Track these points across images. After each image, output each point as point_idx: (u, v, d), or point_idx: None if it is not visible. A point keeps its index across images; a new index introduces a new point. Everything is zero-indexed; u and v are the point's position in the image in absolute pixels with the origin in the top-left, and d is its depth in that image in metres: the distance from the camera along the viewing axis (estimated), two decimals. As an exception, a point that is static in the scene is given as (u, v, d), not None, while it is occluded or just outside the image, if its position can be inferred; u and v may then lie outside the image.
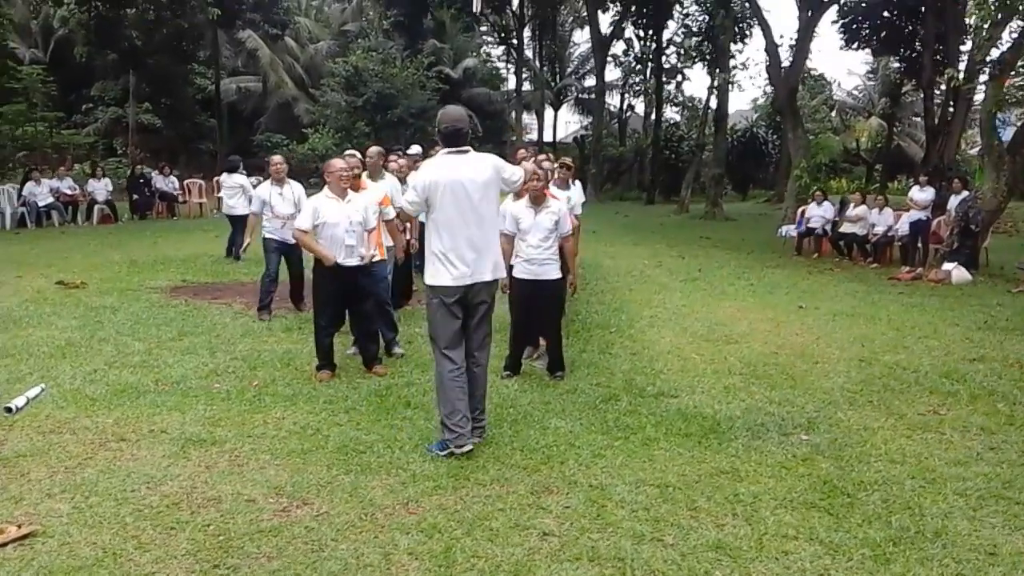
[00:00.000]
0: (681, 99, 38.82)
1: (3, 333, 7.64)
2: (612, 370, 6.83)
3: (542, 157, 7.85)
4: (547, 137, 45.82)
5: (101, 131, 39.14)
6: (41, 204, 17.76)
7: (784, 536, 3.89)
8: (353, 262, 6.45)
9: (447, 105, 5.09)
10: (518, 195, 6.52)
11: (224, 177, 13.55)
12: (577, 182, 8.83)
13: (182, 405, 5.66)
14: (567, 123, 64.63)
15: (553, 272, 6.47)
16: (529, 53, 45.30)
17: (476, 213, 4.72)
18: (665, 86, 36.89)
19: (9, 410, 5.19)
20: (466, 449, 4.72)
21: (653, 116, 36.78)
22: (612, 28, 34.96)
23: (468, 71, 41.79)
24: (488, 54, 45.22)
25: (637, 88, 42.75)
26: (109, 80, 37.96)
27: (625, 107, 44.86)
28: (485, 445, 4.96)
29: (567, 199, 8.42)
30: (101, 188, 19.02)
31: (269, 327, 8.18)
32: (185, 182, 21.93)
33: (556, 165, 8.72)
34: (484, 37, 44.87)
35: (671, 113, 40.86)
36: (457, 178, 4.69)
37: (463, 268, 4.72)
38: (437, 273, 4.76)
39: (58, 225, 18.07)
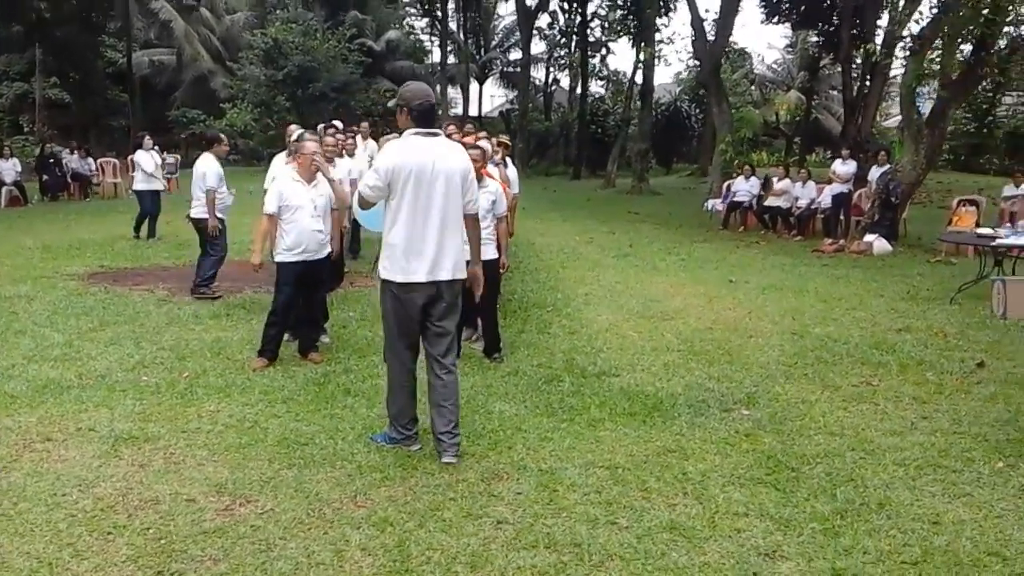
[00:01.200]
0: (606, 73, 38.97)
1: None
2: (552, 350, 6.81)
3: (482, 134, 7.73)
4: (472, 111, 45.53)
5: (6, 107, 37.46)
6: (-56, 186, 16.92)
7: (735, 514, 3.92)
8: (324, 252, 6.30)
9: (409, 82, 4.58)
10: None
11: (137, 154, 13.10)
12: (510, 161, 8.76)
13: (109, 400, 5.42)
14: (492, 97, 64.40)
15: (490, 252, 6.37)
16: (453, 25, 44.88)
17: (441, 204, 4.28)
18: (590, 60, 36.97)
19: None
20: (415, 448, 4.60)
21: (579, 90, 36.81)
22: (538, 1, 34.78)
23: (391, 43, 41.17)
24: (412, 26, 44.67)
25: (562, 62, 42.74)
26: (14, 54, 36.25)
27: (550, 81, 44.80)
28: (430, 433, 4.87)
29: (505, 177, 8.41)
30: (9, 168, 18.16)
31: (196, 313, 7.91)
32: (99, 161, 21.06)
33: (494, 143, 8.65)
34: (408, 9, 44.27)
35: (596, 87, 41.04)
36: (426, 163, 4.22)
37: (420, 264, 4.28)
38: (392, 267, 4.33)
39: (-37, 208, 17.23)
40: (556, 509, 3.95)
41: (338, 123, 9.78)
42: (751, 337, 7.33)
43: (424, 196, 4.24)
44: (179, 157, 24.07)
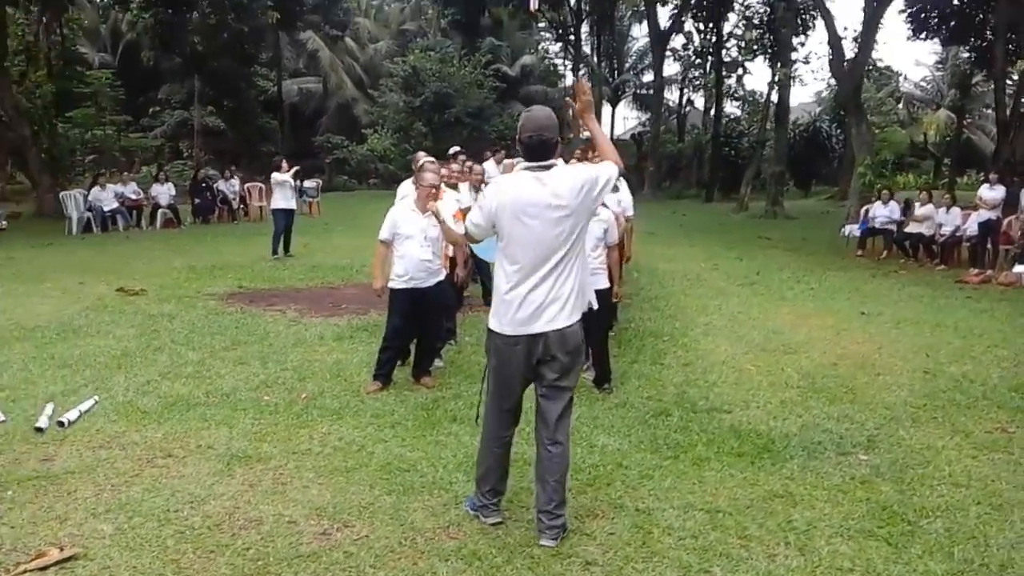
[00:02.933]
0: (742, 94, 38.19)
1: (63, 342, 7.79)
2: (664, 382, 6.69)
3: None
4: (605, 133, 45.48)
5: (168, 134, 40.15)
6: (106, 209, 18.21)
7: (839, 569, 3.73)
8: (431, 281, 6.41)
9: (532, 107, 4.02)
10: None
11: (273, 176, 13.96)
12: (624, 182, 8.67)
13: (230, 419, 5.68)
14: (625, 119, 64.20)
15: (601, 282, 6.35)
16: (587, 49, 45.09)
17: (550, 244, 3.73)
18: (725, 80, 36.34)
19: (62, 424, 5.34)
20: (492, 521, 4.09)
21: (713, 111, 36.21)
22: (671, 22, 34.51)
23: (526, 68, 41.84)
24: (546, 51, 45.15)
25: (697, 83, 42.20)
26: (175, 83, 38.83)
27: (684, 102, 44.28)
28: (527, 464, 4.85)
29: (617, 202, 8.33)
30: (164, 192, 19.42)
31: (321, 335, 8.20)
32: (246, 185, 22.22)
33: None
34: (543, 34, 44.79)
35: (732, 108, 40.26)
36: (531, 202, 3.72)
37: (528, 313, 3.76)
38: (498, 314, 3.86)
39: (123, 230, 18.47)
40: (648, 553, 3.85)
41: (455, 148, 9.92)
42: (879, 375, 6.97)
43: (532, 237, 3.73)
44: (320, 181, 25.07)
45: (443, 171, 8.62)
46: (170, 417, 5.72)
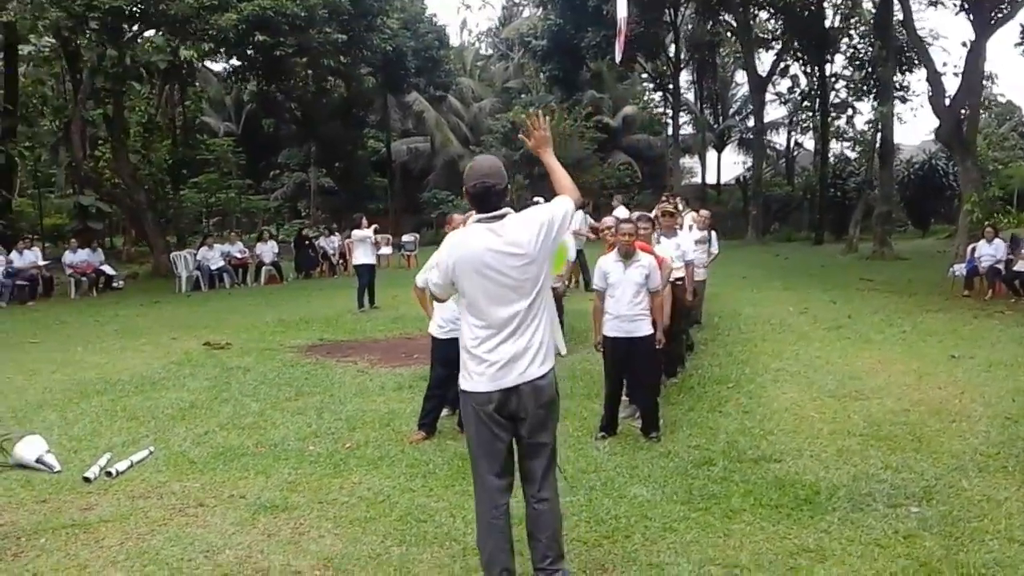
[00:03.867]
0: (852, 134, 37.03)
1: (138, 395, 8.14)
2: (716, 430, 6.43)
3: (636, 215, 7.55)
4: (711, 179, 44.98)
5: (287, 195, 42.11)
6: (213, 268, 19.10)
7: (852, 631, 3.45)
8: (456, 333, 6.40)
9: (477, 156, 3.85)
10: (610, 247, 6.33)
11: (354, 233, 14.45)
12: (684, 229, 8.53)
13: (270, 468, 5.77)
14: (733, 164, 63.21)
15: (645, 328, 6.20)
16: (691, 96, 44.86)
17: (515, 294, 3.59)
18: (835, 121, 35.39)
19: (110, 474, 5.53)
20: None
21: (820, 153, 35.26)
22: (773, 66, 33.99)
23: (627, 119, 41.88)
24: (649, 100, 45.10)
25: (805, 125, 41.24)
26: (294, 148, 40.68)
27: (792, 145, 43.29)
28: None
29: (675, 246, 8.19)
30: (268, 250, 20.26)
31: (382, 385, 8.28)
32: (346, 241, 22.89)
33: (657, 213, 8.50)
34: (645, 84, 44.82)
35: (843, 148, 39.08)
36: (484, 254, 3.56)
37: (498, 367, 3.60)
38: (467, 373, 3.69)
39: (228, 287, 19.32)
40: (649, 609, 3.67)
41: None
42: (953, 422, 6.51)
43: (491, 288, 3.59)
44: (418, 236, 25.72)
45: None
46: (215, 467, 5.86)
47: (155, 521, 4.85)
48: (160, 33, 20.02)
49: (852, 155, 37.94)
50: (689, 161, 47.99)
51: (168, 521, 4.85)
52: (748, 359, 9.06)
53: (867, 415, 6.74)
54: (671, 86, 36.36)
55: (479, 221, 3.65)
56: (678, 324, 8.45)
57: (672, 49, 35.77)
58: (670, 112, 38.11)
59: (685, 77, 42.47)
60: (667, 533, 4.50)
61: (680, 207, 10.35)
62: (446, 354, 6.38)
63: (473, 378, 3.69)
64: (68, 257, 18.70)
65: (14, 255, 17.34)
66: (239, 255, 20.01)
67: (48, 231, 29.32)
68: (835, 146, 36.61)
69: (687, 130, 44.67)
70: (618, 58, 17.40)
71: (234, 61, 24.98)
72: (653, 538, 4.44)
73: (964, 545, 4.27)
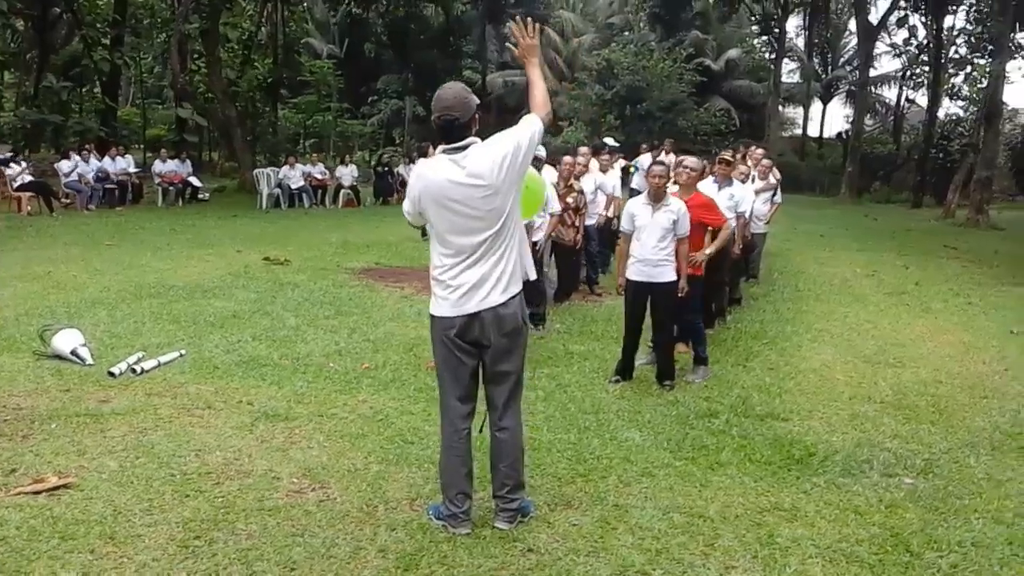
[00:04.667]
0: (967, 93, 34.99)
1: (187, 301, 8.47)
2: (733, 384, 6.34)
3: (680, 158, 7.40)
4: (813, 131, 43.40)
5: (384, 121, 42.49)
6: (294, 187, 19.52)
7: (795, 591, 3.42)
8: None
9: (443, 86, 3.76)
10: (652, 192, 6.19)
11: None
12: (737, 180, 8.29)
13: (284, 380, 5.98)
14: (842, 117, 60.68)
15: (667, 274, 6.11)
16: (800, 43, 43.03)
17: (478, 224, 3.60)
18: (951, 79, 33.50)
19: (134, 371, 5.80)
20: (462, 532, 3.78)
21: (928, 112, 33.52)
22: (885, 15, 32.24)
23: (731, 63, 40.44)
24: (754, 45, 43.46)
25: (919, 80, 39.15)
26: (393, 75, 40.91)
27: (903, 101, 41.21)
28: (534, 450, 4.78)
29: (729, 196, 8.00)
30: (347, 174, 20.59)
31: (419, 312, 8.37)
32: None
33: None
34: (753, 27, 43.18)
35: (955, 109, 37.04)
36: (446, 186, 3.57)
37: (461, 293, 3.66)
38: (435, 300, 3.77)
39: (307, 207, 19.76)
40: (597, 548, 3.70)
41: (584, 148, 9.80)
42: (984, 398, 6.26)
43: (453, 218, 3.61)
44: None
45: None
46: (234, 374, 6.10)
47: (161, 418, 5.09)
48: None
49: (966, 116, 35.98)
50: (792, 111, 46.33)
51: (173, 419, 5.09)
52: (793, 317, 8.85)
53: (896, 383, 6.54)
54: (777, 30, 34.88)
55: (444, 152, 3.65)
56: (721, 275, 8.34)
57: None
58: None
59: (795, 22, 40.82)
60: (644, 478, 4.50)
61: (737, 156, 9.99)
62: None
63: (439, 303, 3.75)
64: (157, 166, 19.40)
65: (106, 161, 18.07)
66: (319, 176, 20.38)
67: (150, 140, 30.37)
68: (947, 105, 34.69)
69: (793, 79, 43.06)
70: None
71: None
72: (628, 480, 4.45)
73: (946, 520, 4.14)
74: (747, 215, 8.35)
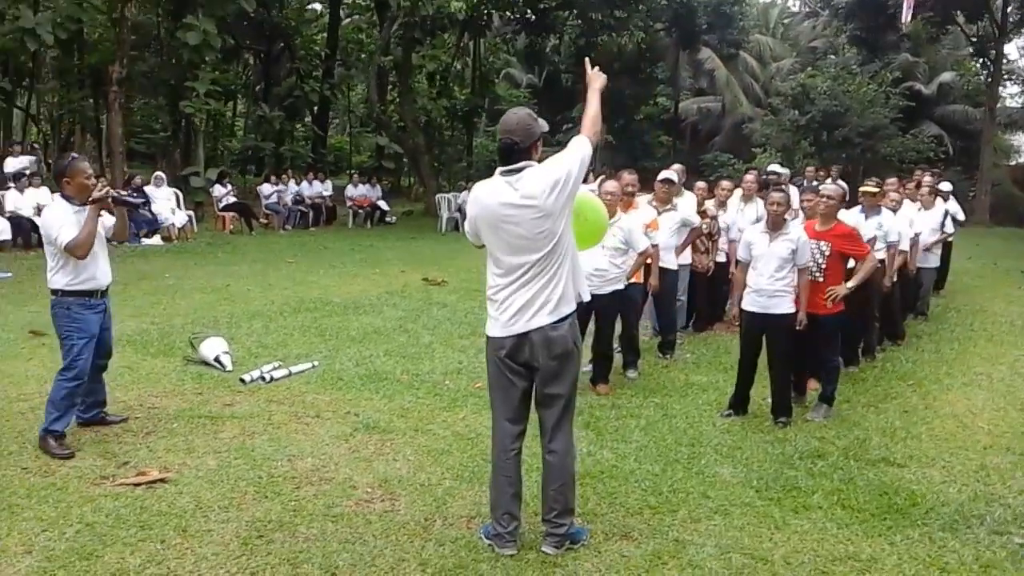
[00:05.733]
0: None
1: (339, 316, 9.00)
2: (857, 425, 5.96)
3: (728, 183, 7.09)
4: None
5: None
6: (472, 211, 20.14)
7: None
8: (606, 289, 6.44)
9: (509, 110, 3.88)
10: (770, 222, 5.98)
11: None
12: (886, 209, 7.82)
13: (396, 394, 6.23)
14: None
15: (784, 305, 5.86)
16: (1026, 64, 39.59)
17: (529, 245, 3.66)
18: None
19: (263, 379, 6.26)
20: (507, 552, 3.81)
21: None
22: None
23: (944, 86, 37.89)
24: (971, 68, 40.45)
25: None
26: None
27: None
28: (611, 479, 4.75)
29: (877, 225, 7.60)
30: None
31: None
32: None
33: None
34: (968, 49, 40.24)
35: None
36: (499, 207, 3.66)
37: (511, 314, 3.72)
38: (488, 320, 3.88)
39: (484, 230, 20.32)
40: (638, 580, 3.63)
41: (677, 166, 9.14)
42: None
43: (504, 240, 3.69)
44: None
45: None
46: (354, 386, 6.43)
47: (272, 423, 5.47)
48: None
49: None
50: (1018, 139, 42.63)
51: (282, 425, 5.45)
52: (955, 359, 8.18)
53: (1047, 436, 5.92)
54: (993, 52, 32.35)
55: (500, 174, 3.75)
56: (870, 310, 7.88)
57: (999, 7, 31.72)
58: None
59: (1020, 43, 37.62)
60: (716, 515, 4.35)
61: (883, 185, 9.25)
62: (579, 308, 6.50)
63: (491, 323, 3.86)
64: (349, 191, 20.66)
65: (304, 185, 19.49)
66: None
67: (356, 166, 32.36)
68: None
69: (1020, 102, 39.67)
70: (905, 17, 15.88)
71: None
72: (698, 517, 4.32)
73: (1047, 588, 3.74)
74: (901, 246, 7.84)
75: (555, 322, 3.73)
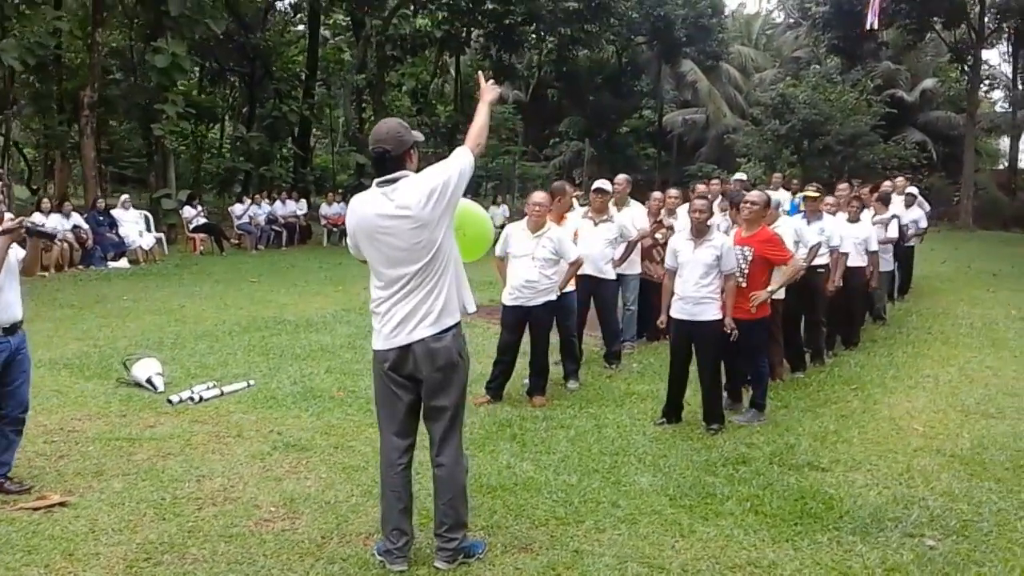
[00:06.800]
0: None
1: (289, 335, 8.92)
2: (787, 431, 5.89)
3: (704, 188, 7.05)
4: (1024, 164, 39.79)
5: (564, 163, 43.23)
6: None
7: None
8: (523, 301, 6.43)
9: (382, 120, 3.85)
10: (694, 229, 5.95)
11: None
12: (831, 214, 7.78)
13: (326, 412, 6.15)
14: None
15: (709, 312, 5.82)
16: (1008, 69, 39.68)
17: (406, 256, 3.61)
18: None
19: (192, 399, 6.18)
20: (397, 569, 3.74)
21: None
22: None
23: (927, 93, 38.01)
24: (952, 74, 40.57)
25: None
26: (576, 116, 41.67)
27: None
28: (524, 490, 4.68)
29: (819, 230, 7.56)
30: (499, 213, 21.05)
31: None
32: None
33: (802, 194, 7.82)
34: (949, 54, 40.39)
35: None
36: (371, 218, 3.62)
37: (392, 326, 3.68)
38: (373, 333, 3.82)
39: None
40: (525, 593, 3.56)
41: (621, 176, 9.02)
42: (1089, 457, 5.48)
43: (382, 252, 3.65)
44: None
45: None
46: (285, 405, 6.34)
47: (189, 444, 5.38)
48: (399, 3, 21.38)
49: None
50: (1000, 144, 42.77)
51: (199, 446, 5.36)
52: (905, 362, 8.12)
53: (981, 436, 5.86)
54: (971, 58, 32.48)
55: (376, 184, 3.69)
56: (816, 315, 7.85)
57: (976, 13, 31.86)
58: (988, 87, 34.18)
59: (1003, 49, 37.76)
60: (622, 524, 4.28)
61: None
62: (511, 320, 6.47)
63: (375, 336, 3.80)
64: (324, 209, 20.65)
65: (277, 205, 19.45)
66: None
67: (340, 185, 32.37)
68: None
69: (1003, 108, 39.76)
70: (871, 23, 15.92)
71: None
72: (603, 527, 4.25)
73: (948, 591, 3.67)
74: (841, 249, 7.78)
75: (437, 333, 3.68)
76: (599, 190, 7.57)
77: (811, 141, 30.69)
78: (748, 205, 6.33)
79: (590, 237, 7.37)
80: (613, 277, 7.66)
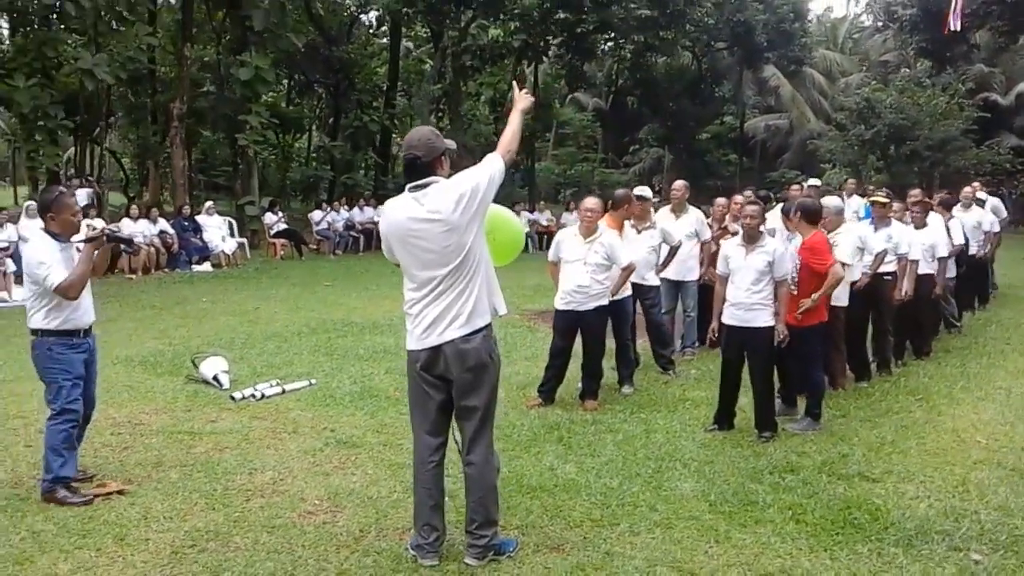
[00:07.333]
0: None
1: (354, 336, 9.14)
2: (842, 440, 5.77)
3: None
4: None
5: (644, 170, 43.06)
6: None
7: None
8: (574, 305, 6.47)
9: (415, 127, 3.82)
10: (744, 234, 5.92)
11: None
12: (896, 221, 7.59)
13: (380, 411, 6.30)
14: None
15: (762, 318, 5.76)
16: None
17: (437, 259, 3.71)
18: None
19: (254, 396, 6.41)
20: (428, 563, 3.84)
21: None
22: None
23: (1022, 97, 36.54)
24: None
25: None
26: (655, 123, 41.47)
27: None
28: (563, 491, 4.72)
29: (887, 237, 7.39)
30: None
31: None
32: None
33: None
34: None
35: None
36: (403, 222, 3.73)
37: (424, 327, 3.76)
38: (407, 334, 3.89)
39: (530, 251, 20.36)
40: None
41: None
42: None
43: (414, 255, 3.75)
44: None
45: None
46: (342, 403, 6.53)
47: (246, 439, 5.59)
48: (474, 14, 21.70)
49: None
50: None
51: (256, 440, 5.56)
52: (977, 374, 7.83)
53: (1050, 450, 5.63)
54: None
55: (409, 191, 3.79)
56: (883, 324, 7.67)
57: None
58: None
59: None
60: (657, 528, 4.28)
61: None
62: (563, 324, 6.52)
63: (408, 337, 3.89)
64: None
65: (355, 211, 19.89)
66: (544, 223, 21.03)
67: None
68: None
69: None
70: (953, 25, 15.41)
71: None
72: (638, 530, 4.26)
73: (988, 606, 3.57)
74: (909, 257, 7.57)
75: (467, 335, 3.76)
76: (640, 197, 7.56)
77: (898, 146, 29.83)
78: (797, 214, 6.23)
79: (633, 244, 7.35)
80: (656, 283, 7.64)
